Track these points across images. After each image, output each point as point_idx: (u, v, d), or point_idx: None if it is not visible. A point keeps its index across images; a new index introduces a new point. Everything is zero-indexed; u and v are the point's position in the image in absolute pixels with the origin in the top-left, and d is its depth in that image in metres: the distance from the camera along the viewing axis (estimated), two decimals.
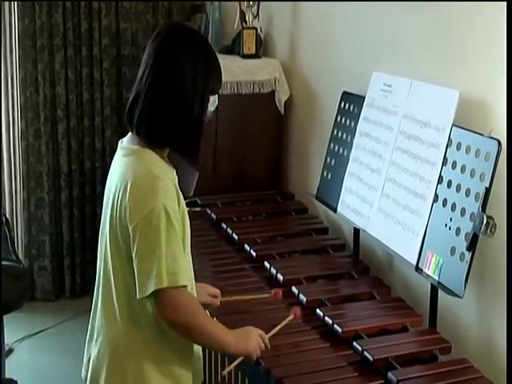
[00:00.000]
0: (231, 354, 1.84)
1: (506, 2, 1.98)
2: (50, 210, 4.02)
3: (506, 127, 1.99)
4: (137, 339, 1.77)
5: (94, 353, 1.85)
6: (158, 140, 1.76)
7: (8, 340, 3.48)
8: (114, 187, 1.76)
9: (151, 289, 1.66)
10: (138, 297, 1.69)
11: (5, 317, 3.00)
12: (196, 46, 1.76)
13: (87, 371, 1.89)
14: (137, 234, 1.67)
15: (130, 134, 1.83)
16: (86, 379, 1.91)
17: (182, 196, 1.77)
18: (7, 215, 4.01)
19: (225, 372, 1.90)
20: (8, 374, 3.07)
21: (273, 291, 2.17)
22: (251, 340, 1.82)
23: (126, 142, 1.82)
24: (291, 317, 2.04)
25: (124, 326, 1.78)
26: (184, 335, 1.75)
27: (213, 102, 3.11)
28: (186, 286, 1.71)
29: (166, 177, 1.73)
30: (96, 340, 1.85)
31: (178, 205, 1.73)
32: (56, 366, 3.44)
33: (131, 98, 1.77)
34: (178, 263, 1.69)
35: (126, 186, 1.71)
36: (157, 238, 1.66)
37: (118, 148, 1.85)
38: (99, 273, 1.85)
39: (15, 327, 3.60)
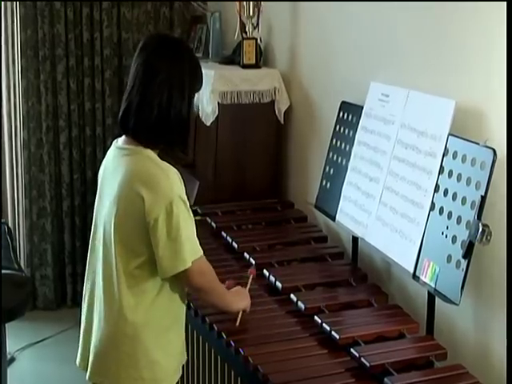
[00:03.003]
0: (233, 310, 2.14)
1: (505, 3, 2.00)
2: (51, 218, 4.05)
3: (506, 135, 2.01)
4: (140, 324, 1.93)
5: (95, 340, 1.97)
6: (155, 141, 1.94)
7: (10, 349, 3.50)
8: (117, 185, 1.91)
9: (178, 270, 1.89)
10: (162, 277, 1.91)
11: (7, 325, 3.02)
12: (181, 56, 1.94)
13: (86, 361, 2.01)
14: (158, 224, 1.85)
15: (124, 136, 1.98)
16: (85, 369, 2.02)
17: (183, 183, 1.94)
18: (9, 224, 4.04)
19: (237, 323, 2.14)
20: (10, 383, 3.09)
21: (249, 271, 2.37)
22: (244, 297, 2.16)
23: (123, 143, 1.98)
24: (251, 277, 2.31)
25: (127, 313, 1.92)
26: (202, 296, 2.07)
27: (213, 110, 3.15)
28: (202, 256, 1.96)
29: (172, 169, 1.92)
30: (97, 329, 1.97)
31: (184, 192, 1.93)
32: (57, 374, 3.46)
33: (124, 107, 1.95)
34: (194, 240, 1.94)
35: (137, 181, 1.87)
36: (177, 226, 1.86)
37: (115, 148, 2.00)
38: (96, 264, 1.99)
39: (17, 336, 3.62)
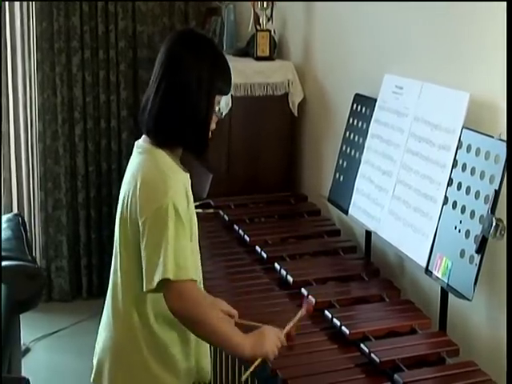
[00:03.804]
0: (246, 357, 1.81)
1: (506, 2, 1.98)
2: (67, 211, 4.07)
3: (506, 128, 1.98)
4: (140, 334, 1.82)
5: (99, 345, 1.91)
6: (167, 139, 1.80)
7: (25, 339, 3.52)
8: (126, 184, 1.82)
9: (157, 279, 1.69)
10: (144, 289, 1.73)
11: (22, 316, 3.04)
12: (202, 49, 1.81)
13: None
14: (146, 229, 1.72)
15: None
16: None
17: (191, 198, 1.82)
18: (25, 216, 4.07)
19: (243, 378, 1.86)
20: (24, 373, 3.11)
21: (303, 307, 1.98)
22: (267, 340, 1.80)
23: (141, 141, 1.87)
24: (304, 311, 1.96)
25: (128, 320, 1.82)
26: (192, 329, 1.78)
27: (226, 103, 3.13)
28: (194, 281, 1.75)
29: (176, 176, 1.78)
30: (101, 333, 1.91)
31: (187, 205, 1.78)
32: (72, 365, 3.47)
33: (143, 101, 1.83)
34: (186, 258, 1.73)
35: (136, 183, 1.76)
36: (165, 232, 1.69)
37: (135, 147, 1.90)
38: (112, 269, 1.91)
39: (32, 327, 3.65)
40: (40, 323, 3.79)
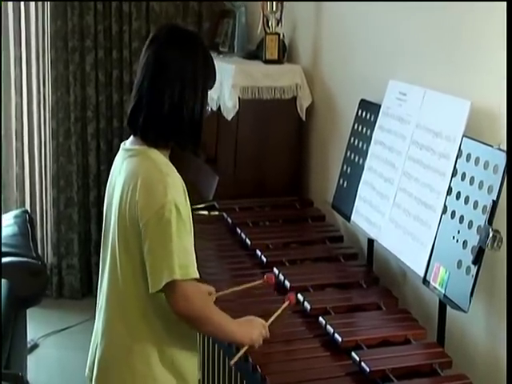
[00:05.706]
0: (235, 342, 1.93)
1: (506, 2, 1.95)
2: (78, 208, 4.10)
3: (506, 136, 1.95)
4: (144, 337, 1.82)
5: (99, 354, 1.87)
6: (165, 141, 1.83)
7: (34, 335, 3.56)
8: (120, 187, 1.81)
9: (164, 281, 1.71)
10: (150, 291, 1.74)
11: (31, 312, 3.07)
12: (194, 49, 1.82)
13: (92, 371, 1.91)
14: (148, 230, 1.73)
15: (132, 137, 1.88)
16: (90, 379, 1.93)
17: (187, 194, 1.83)
18: (37, 213, 4.11)
19: (232, 362, 1.93)
20: (32, 369, 3.14)
21: (265, 276, 2.21)
22: (254, 329, 1.90)
23: (129, 144, 1.88)
24: (286, 303, 2.07)
25: (131, 324, 1.82)
26: (194, 326, 1.82)
27: (233, 105, 3.13)
28: (196, 279, 1.77)
29: (174, 173, 1.80)
30: (100, 341, 1.88)
31: (185, 200, 1.79)
32: (80, 362, 3.42)
33: (133, 104, 1.83)
34: (189, 256, 1.75)
35: (135, 184, 1.76)
36: (168, 233, 1.71)
37: (121, 150, 1.90)
38: (103, 275, 1.89)
39: (42, 323, 3.69)
40: (50, 320, 3.83)
